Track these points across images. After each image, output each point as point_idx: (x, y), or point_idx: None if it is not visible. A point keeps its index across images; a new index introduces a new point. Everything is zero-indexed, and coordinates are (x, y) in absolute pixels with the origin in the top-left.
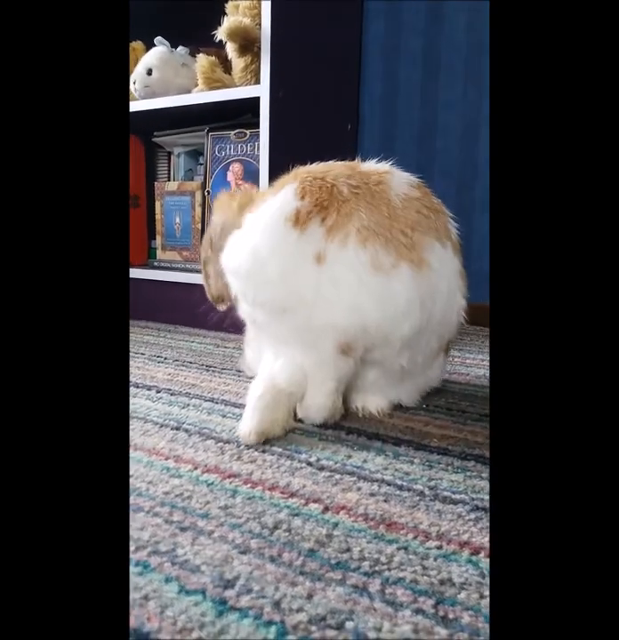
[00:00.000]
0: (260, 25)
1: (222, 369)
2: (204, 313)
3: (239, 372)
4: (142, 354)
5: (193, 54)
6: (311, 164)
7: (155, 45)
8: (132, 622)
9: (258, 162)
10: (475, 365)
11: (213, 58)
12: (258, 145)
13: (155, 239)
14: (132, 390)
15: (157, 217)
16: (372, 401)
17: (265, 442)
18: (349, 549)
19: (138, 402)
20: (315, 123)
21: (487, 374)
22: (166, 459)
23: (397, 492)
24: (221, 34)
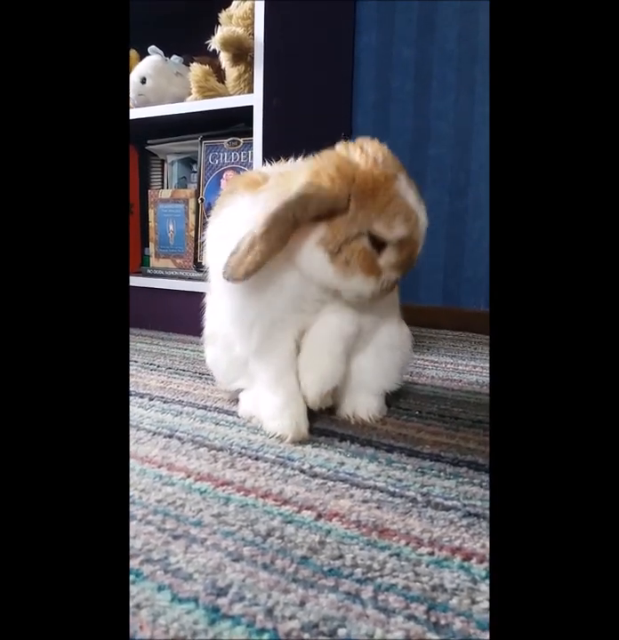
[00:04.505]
0: (253, 34)
1: None
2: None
3: None
4: (135, 361)
5: (187, 63)
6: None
7: (149, 54)
8: None
9: (251, 170)
10: (467, 372)
11: (207, 67)
12: (251, 153)
13: (148, 246)
14: None
15: (151, 224)
16: (362, 404)
17: (258, 448)
18: (341, 556)
19: (131, 409)
20: (308, 131)
21: (479, 380)
22: (159, 466)
23: (390, 499)
24: (214, 43)
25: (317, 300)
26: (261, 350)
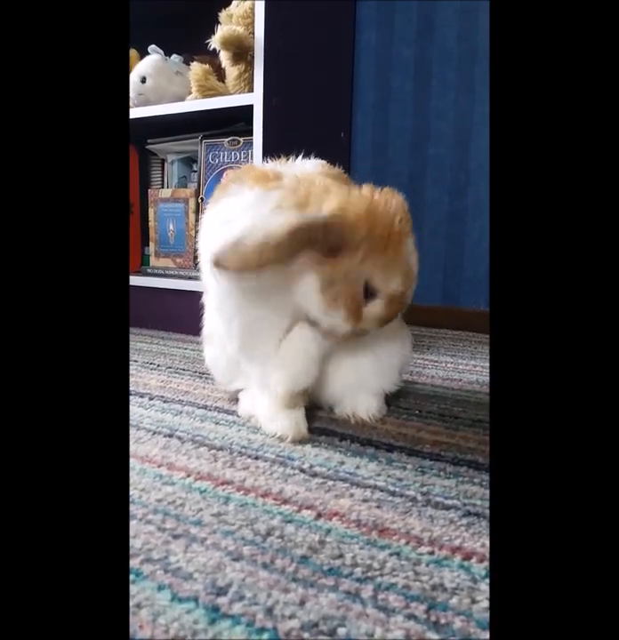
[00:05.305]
0: (253, 33)
1: None
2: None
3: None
4: (135, 361)
5: (187, 62)
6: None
7: (148, 53)
8: None
9: None
10: (467, 371)
11: (207, 66)
12: (251, 152)
13: (148, 246)
14: None
15: (151, 224)
16: (361, 404)
17: (258, 448)
18: (341, 555)
19: (130, 409)
20: (308, 131)
21: (479, 380)
22: (159, 466)
23: (390, 498)
24: (214, 42)
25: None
26: (246, 348)
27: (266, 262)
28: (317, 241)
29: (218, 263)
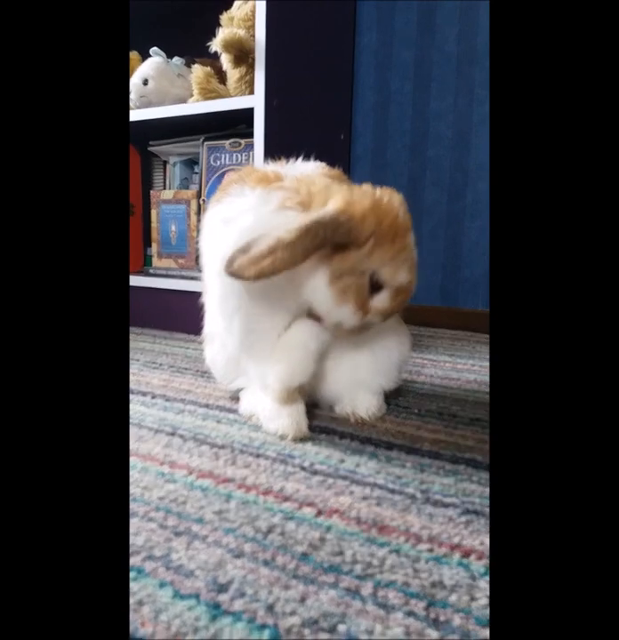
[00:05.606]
0: (254, 36)
1: None
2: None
3: None
4: (137, 360)
5: (188, 65)
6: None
7: (150, 56)
8: None
9: None
10: (466, 370)
11: (209, 68)
12: (252, 154)
13: (150, 247)
14: None
15: (153, 225)
16: (361, 403)
17: (259, 446)
18: (341, 553)
19: (133, 408)
20: (308, 132)
21: (478, 379)
22: (161, 464)
23: (389, 496)
24: (215, 45)
25: (303, 302)
26: (246, 346)
27: (280, 267)
28: (326, 239)
29: (234, 274)
